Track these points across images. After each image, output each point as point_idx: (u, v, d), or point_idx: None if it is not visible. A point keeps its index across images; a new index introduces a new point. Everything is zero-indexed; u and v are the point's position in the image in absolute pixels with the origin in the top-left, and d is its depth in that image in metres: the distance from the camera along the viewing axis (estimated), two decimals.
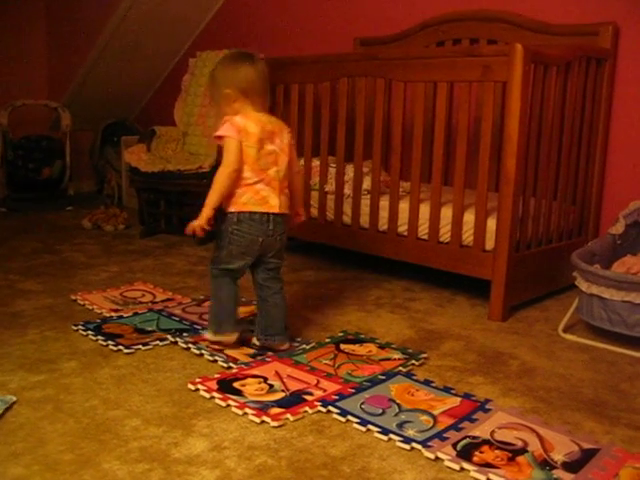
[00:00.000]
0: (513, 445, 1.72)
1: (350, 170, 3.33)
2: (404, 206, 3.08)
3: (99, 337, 2.43)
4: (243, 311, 2.76)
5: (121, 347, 2.34)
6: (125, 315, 2.69)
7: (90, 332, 2.48)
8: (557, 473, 1.59)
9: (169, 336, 2.43)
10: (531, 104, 2.71)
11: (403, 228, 3.09)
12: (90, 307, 2.80)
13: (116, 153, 5.42)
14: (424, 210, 3.01)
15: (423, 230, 3.01)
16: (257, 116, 2.25)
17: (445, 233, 2.94)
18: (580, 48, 3.00)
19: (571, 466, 1.62)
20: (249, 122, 2.21)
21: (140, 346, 2.35)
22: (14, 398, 1.94)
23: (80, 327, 2.53)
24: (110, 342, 2.38)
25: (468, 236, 2.86)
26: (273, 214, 2.26)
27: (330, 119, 3.39)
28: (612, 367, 2.32)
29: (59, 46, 5.67)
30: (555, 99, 2.86)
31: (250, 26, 4.95)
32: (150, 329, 2.54)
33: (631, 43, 3.14)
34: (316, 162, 3.47)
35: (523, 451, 1.69)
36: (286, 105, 3.57)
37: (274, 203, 2.25)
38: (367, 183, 3.27)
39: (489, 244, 2.79)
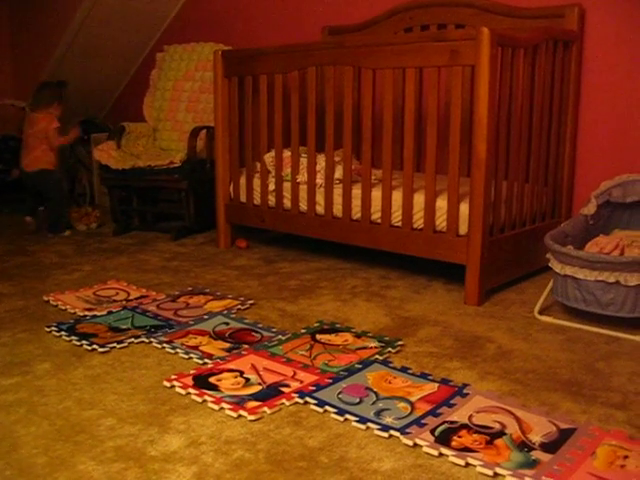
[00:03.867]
0: (491, 428, 1.72)
1: (322, 160, 3.31)
2: (377, 194, 3.07)
3: (73, 337, 2.40)
4: (216, 305, 2.75)
5: (95, 346, 2.31)
6: (99, 314, 2.65)
7: (63, 332, 2.45)
8: (535, 454, 1.59)
9: (143, 337, 2.40)
10: (500, 87, 2.71)
11: (376, 216, 3.07)
12: (63, 307, 2.76)
13: (87, 152, 5.35)
14: (397, 197, 3.00)
15: (396, 217, 3.00)
16: None
17: (418, 219, 2.93)
18: (547, 30, 3.00)
19: (549, 446, 1.62)
20: None
21: (115, 344, 2.32)
22: None
23: (53, 328, 2.50)
24: (84, 342, 2.35)
25: (441, 222, 2.86)
26: None
27: (300, 109, 3.37)
28: (588, 347, 2.33)
29: (24, 44, 5.57)
30: (524, 82, 2.87)
31: (217, 18, 4.91)
32: (125, 327, 2.51)
33: (597, 24, 3.15)
34: (287, 153, 3.44)
35: (501, 434, 1.69)
36: (255, 96, 3.53)
37: None
38: (339, 172, 3.26)
39: (463, 229, 2.78)
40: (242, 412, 1.82)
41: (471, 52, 2.62)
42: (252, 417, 1.80)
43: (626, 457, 1.57)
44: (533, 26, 3.12)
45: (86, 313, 2.67)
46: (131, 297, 2.89)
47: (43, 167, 4.21)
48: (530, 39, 2.86)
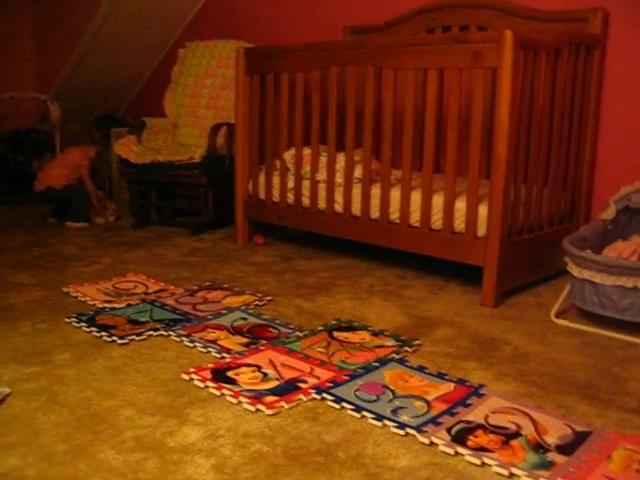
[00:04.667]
0: (507, 429, 1.73)
1: (341, 159, 3.32)
2: (396, 194, 3.08)
3: (92, 328, 2.43)
4: (234, 301, 2.77)
5: (115, 338, 2.34)
6: (118, 306, 2.68)
7: (83, 324, 2.48)
8: (551, 456, 1.60)
9: (162, 330, 2.42)
10: (521, 90, 2.71)
11: (395, 216, 3.09)
12: (83, 299, 2.79)
13: (106, 146, 5.39)
14: (415, 198, 3.01)
15: (415, 217, 3.01)
16: None
17: (437, 220, 2.94)
18: (570, 34, 3.00)
19: (564, 449, 1.63)
20: None
21: (134, 337, 2.35)
22: (8, 390, 1.94)
23: (73, 319, 2.53)
24: (103, 333, 2.38)
25: (460, 223, 2.86)
26: None
27: (320, 108, 3.39)
28: (604, 351, 2.33)
29: (47, 38, 5.63)
30: (545, 85, 2.87)
31: (239, 15, 4.93)
32: (143, 320, 2.53)
33: (620, 28, 3.15)
34: (307, 151, 3.46)
35: (517, 435, 1.70)
36: (276, 94, 3.56)
37: None
38: (358, 171, 3.27)
39: (481, 231, 2.79)
40: (260, 406, 1.84)
41: (494, 55, 2.62)
42: (270, 412, 1.82)
43: None
44: (555, 29, 3.12)
45: (105, 305, 2.70)
46: (150, 290, 2.91)
47: (49, 185, 4.33)
48: (552, 42, 2.86)
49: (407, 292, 2.96)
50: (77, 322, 2.50)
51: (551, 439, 1.68)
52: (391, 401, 1.89)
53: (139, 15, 5.04)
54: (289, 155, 3.56)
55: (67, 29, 5.26)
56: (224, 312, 2.63)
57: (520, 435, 1.70)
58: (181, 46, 4.85)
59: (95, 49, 5.22)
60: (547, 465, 1.56)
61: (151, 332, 2.40)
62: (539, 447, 1.64)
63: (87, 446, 1.65)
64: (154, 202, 4.39)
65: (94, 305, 2.72)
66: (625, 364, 2.22)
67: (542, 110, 2.88)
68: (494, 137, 2.68)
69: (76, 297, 2.82)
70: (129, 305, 2.70)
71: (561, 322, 2.60)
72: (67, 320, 2.53)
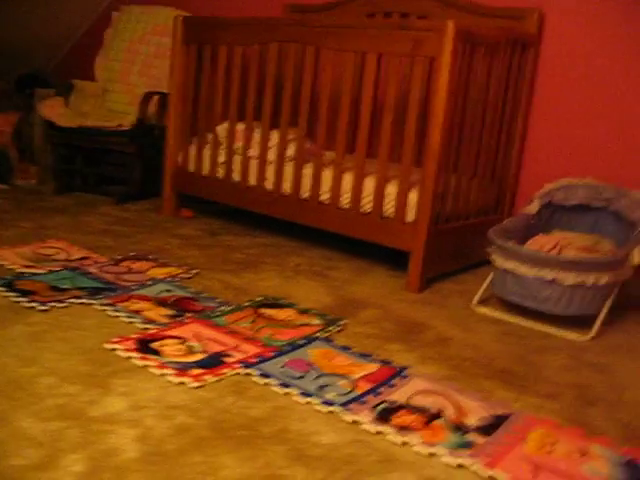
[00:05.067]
0: (429, 410, 1.77)
1: (275, 136, 3.30)
2: (327, 175, 3.09)
3: (11, 293, 2.35)
4: (160, 272, 2.73)
5: (35, 304, 2.26)
6: (39, 272, 2.60)
7: (1, 288, 2.39)
8: (471, 436, 1.65)
9: (84, 298, 2.36)
10: (458, 81, 2.75)
11: (325, 197, 3.10)
12: (0, 263, 2.69)
13: (29, 106, 5.19)
14: (347, 180, 3.02)
15: (345, 200, 3.03)
16: None
17: (367, 203, 2.96)
18: (507, 30, 3.07)
19: (484, 430, 1.69)
20: None
21: (55, 304, 2.28)
22: None
23: None
24: (22, 299, 2.30)
25: (389, 207, 2.90)
26: None
27: (257, 84, 3.36)
28: (522, 340, 2.41)
29: None
30: (481, 78, 2.92)
31: None
32: (65, 287, 2.47)
33: (555, 29, 3.23)
34: (241, 126, 3.42)
35: (438, 416, 1.74)
36: (213, 66, 3.50)
37: None
38: (291, 150, 3.26)
39: (410, 216, 2.83)
40: (185, 379, 1.83)
41: (434, 44, 2.65)
42: (195, 384, 1.81)
43: (554, 443, 1.65)
44: (493, 25, 3.18)
45: (25, 270, 2.62)
46: (72, 257, 2.84)
47: None
48: (491, 37, 2.92)
49: (333, 273, 2.98)
50: None
51: (471, 421, 1.73)
52: (316, 379, 1.90)
53: None
54: (222, 129, 3.51)
55: None
56: (149, 283, 2.59)
57: (441, 416, 1.74)
58: (115, 9, 4.70)
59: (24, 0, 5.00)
60: (467, 445, 1.61)
61: (73, 300, 2.34)
62: (459, 428, 1.69)
63: (5, 414, 1.60)
64: (79, 168, 4.27)
65: (12, 270, 2.63)
66: (542, 353, 2.30)
67: (476, 102, 2.94)
68: (429, 126, 2.71)
69: None
70: (51, 271, 2.62)
71: (482, 310, 2.67)
72: None
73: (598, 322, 2.50)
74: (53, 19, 5.27)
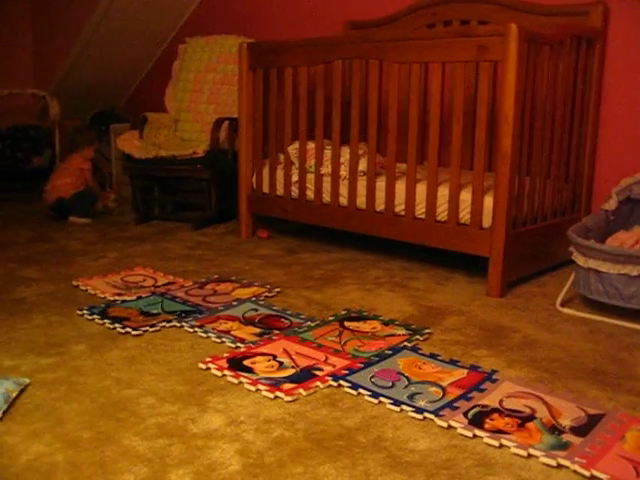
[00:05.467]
0: (522, 412, 1.77)
1: (345, 152, 3.36)
2: (401, 186, 3.12)
3: (105, 320, 2.46)
4: (244, 292, 2.80)
5: (129, 329, 2.37)
6: (129, 299, 2.71)
7: (96, 316, 2.50)
8: (566, 437, 1.64)
9: (174, 321, 2.45)
10: (525, 83, 2.75)
11: (400, 208, 3.12)
12: (93, 292, 2.81)
13: (105, 142, 5.41)
14: (421, 190, 3.04)
15: (420, 209, 3.05)
16: None
17: (442, 212, 2.98)
18: (571, 27, 3.05)
19: (579, 430, 1.68)
20: None
21: (147, 328, 2.38)
22: (27, 380, 1.97)
23: (85, 311, 2.56)
24: (117, 325, 2.41)
25: (465, 214, 2.90)
26: None
27: (324, 102, 3.42)
28: (610, 338, 2.38)
29: (45, 33, 5.64)
30: (548, 78, 2.91)
31: (238, 11, 4.96)
32: (155, 312, 2.56)
33: (620, 22, 3.19)
34: (311, 145, 3.49)
35: (532, 418, 1.74)
36: (280, 88, 3.59)
37: None
38: (363, 165, 3.30)
39: (486, 222, 2.83)
40: (279, 393, 1.88)
41: (498, 48, 2.66)
42: (289, 398, 1.86)
43: None
44: (556, 23, 3.16)
45: (116, 298, 2.73)
46: (159, 283, 2.94)
47: (59, 195, 4.36)
48: (554, 36, 2.90)
49: (413, 283, 3.00)
50: (89, 314, 2.53)
51: (565, 421, 1.72)
52: (407, 387, 1.93)
53: (138, 11, 5.05)
54: (293, 149, 3.59)
55: (66, 24, 5.27)
56: (234, 304, 2.66)
57: (535, 418, 1.74)
58: (180, 42, 4.87)
59: (94, 45, 5.23)
60: (563, 446, 1.60)
61: (164, 323, 2.43)
62: (554, 429, 1.68)
63: (111, 433, 1.68)
64: (157, 197, 4.41)
65: (104, 298, 2.75)
66: (632, 350, 2.26)
67: (545, 103, 2.92)
68: (499, 130, 2.71)
69: (86, 290, 2.85)
70: (139, 297, 2.73)
71: (567, 311, 2.64)
72: (79, 312, 2.56)
73: None
74: (122, 58, 5.49)
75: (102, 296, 2.77)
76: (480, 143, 2.78)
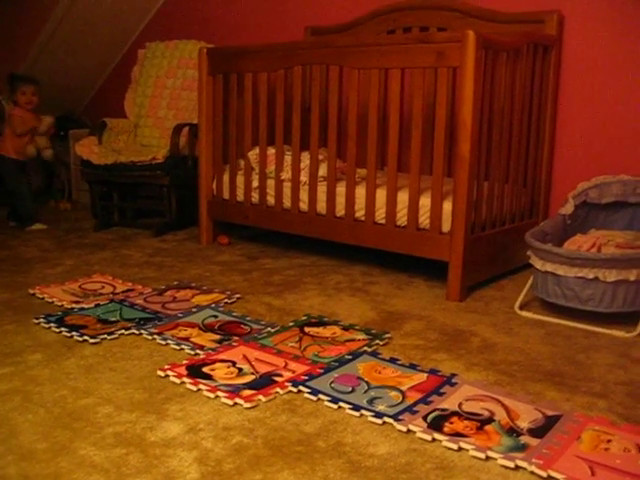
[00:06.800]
0: (480, 415, 1.78)
1: (306, 157, 3.35)
2: (361, 192, 3.13)
3: (62, 329, 2.41)
4: (204, 299, 2.78)
5: (86, 337, 2.33)
6: (87, 306, 2.67)
7: (52, 324, 2.46)
8: (524, 439, 1.66)
9: (133, 328, 2.42)
10: (482, 89, 2.78)
11: (360, 213, 3.13)
12: (50, 300, 2.77)
13: (64, 147, 5.33)
14: (380, 195, 3.05)
15: (380, 215, 3.06)
16: None
17: (402, 217, 2.99)
18: (528, 35, 3.09)
19: (536, 432, 1.69)
20: None
21: (105, 336, 2.35)
22: None
23: (42, 320, 2.51)
24: (74, 333, 2.37)
25: (424, 219, 2.92)
26: None
27: (284, 107, 3.41)
28: (568, 340, 2.41)
29: (1, 36, 5.53)
30: (505, 84, 2.94)
31: (199, 16, 4.93)
32: (114, 319, 2.53)
33: (575, 29, 3.25)
34: (271, 150, 3.48)
35: (490, 420, 1.75)
36: (240, 94, 3.57)
37: None
38: (323, 170, 3.30)
39: (445, 226, 2.85)
40: (238, 400, 1.86)
41: (456, 54, 2.69)
42: (248, 405, 1.84)
43: (609, 441, 1.65)
44: (513, 31, 3.20)
45: (73, 305, 2.69)
46: (117, 290, 2.90)
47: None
48: (512, 43, 2.94)
49: (374, 288, 3.00)
50: (46, 323, 2.48)
51: (523, 423, 1.74)
52: (366, 392, 1.93)
53: (97, 14, 4.98)
54: (253, 154, 3.57)
55: (23, 27, 5.18)
56: (194, 310, 2.64)
57: (493, 420, 1.75)
58: (140, 46, 4.83)
59: (52, 49, 5.14)
60: (521, 447, 1.61)
61: (122, 331, 2.40)
62: (512, 431, 1.70)
63: (67, 443, 1.65)
64: (116, 203, 4.36)
65: (62, 306, 2.70)
66: (588, 352, 2.30)
67: (502, 109, 2.96)
68: (457, 135, 2.74)
69: (42, 298, 2.80)
70: (97, 305, 2.69)
71: (525, 314, 2.67)
72: (35, 321, 2.51)
73: None
74: (80, 63, 5.42)
75: (59, 304, 2.72)
76: (439, 148, 2.81)
